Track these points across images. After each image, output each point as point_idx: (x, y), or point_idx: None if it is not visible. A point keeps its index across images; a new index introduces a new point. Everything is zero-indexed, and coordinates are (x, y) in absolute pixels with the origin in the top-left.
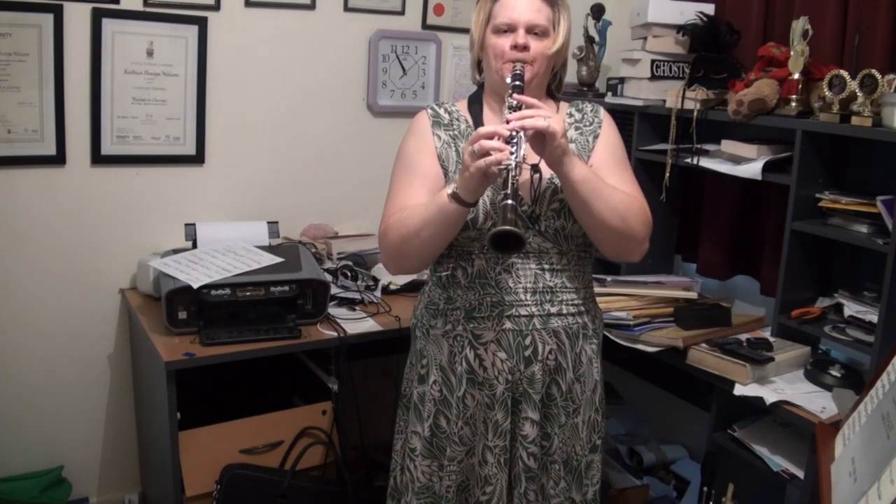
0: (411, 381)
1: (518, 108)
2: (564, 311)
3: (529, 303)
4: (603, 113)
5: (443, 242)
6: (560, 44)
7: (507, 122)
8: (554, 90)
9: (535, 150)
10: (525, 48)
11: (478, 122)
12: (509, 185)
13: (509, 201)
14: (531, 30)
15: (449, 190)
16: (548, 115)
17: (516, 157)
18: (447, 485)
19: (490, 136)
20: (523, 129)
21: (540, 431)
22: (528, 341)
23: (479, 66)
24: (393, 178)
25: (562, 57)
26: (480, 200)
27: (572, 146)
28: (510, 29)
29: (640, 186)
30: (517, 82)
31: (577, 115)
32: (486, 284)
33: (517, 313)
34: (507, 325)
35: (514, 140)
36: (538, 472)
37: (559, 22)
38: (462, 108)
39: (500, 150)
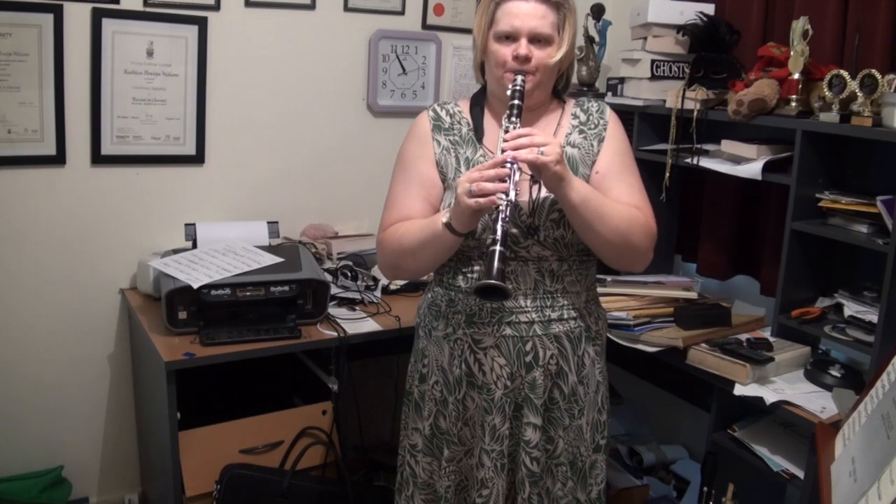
0: (413, 380)
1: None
2: (566, 316)
3: (529, 309)
4: (609, 113)
5: (440, 261)
6: (565, 51)
7: (503, 150)
8: (560, 91)
9: (532, 171)
10: (527, 60)
11: (478, 127)
12: (498, 228)
13: (497, 248)
14: (534, 38)
15: (444, 218)
16: (542, 144)
17: (508, 196)
18: (446, 485)
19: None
20: (515, 160)
21: (543, 435)
22: (528, 347)
23: (482, 68)
24: (392, 182)
25: (568, 60)
26: None
27: (575, 151)
28: (512, 37)
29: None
30: (516, 100)
31: (583, 117)
32: None
33: (517, 319)
34: (507, 331)
35: (508, 178)
36: (542, 475)
37: (564, 27)
38: (465, 108)
39: (494, 191)
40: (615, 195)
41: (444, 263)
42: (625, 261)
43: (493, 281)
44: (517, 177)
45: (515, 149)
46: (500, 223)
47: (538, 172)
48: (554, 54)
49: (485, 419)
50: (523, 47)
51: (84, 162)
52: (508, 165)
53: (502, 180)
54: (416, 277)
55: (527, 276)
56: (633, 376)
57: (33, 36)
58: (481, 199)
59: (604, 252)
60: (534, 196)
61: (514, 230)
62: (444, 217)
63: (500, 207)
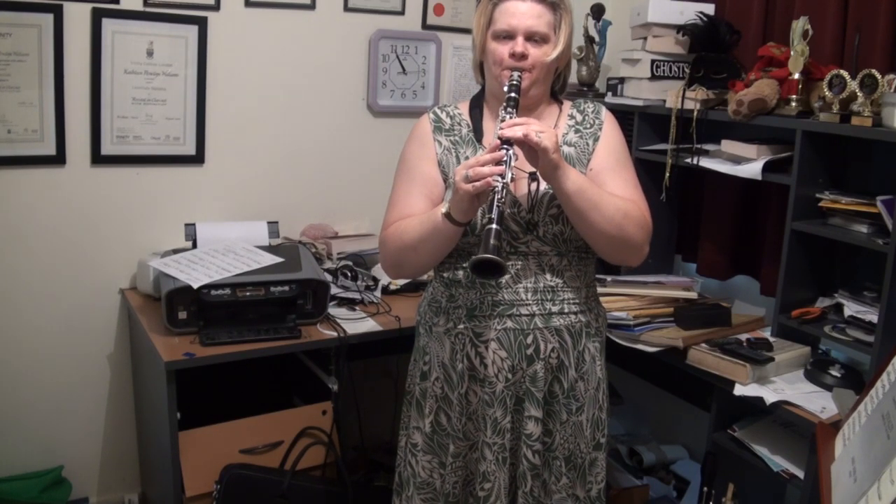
0: (414, 377)
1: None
2: (566, 310)
3: (530, 302)
4: (605, 113)
5: (441, 255)
6: (560, 50)
7: (500, 138)
8: (557, 91)
9: (528, 161)
10: (523, 57)
11: (478, 127)
12: (494, 208)
13: (493, 226)
14: (531, 37)
15: (443, 209)
16: (540, 132)
17: (504, 179)
18: (453, 481)
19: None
20: (514, 137)
21: (543, 428)
22: (529, 340)
23: (481, 68)
24: (394, 183)
25: (565, 59)
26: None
27: (571, 150)
28: (509, 35)
29: (641, 186)
30: (512, 94)
31: (579, 117)
32: (487, 284)
33: (518, 312)
34: (509, 324)
35: (504, 161)
36: (541, 467)
37: (560, 26)
38: (464, 110)
39: (490, 174)
40: (609, 190)
41: (445, 260)
42: (620, 254)
43: (489, 255)
44: (513, 161)
45: (514, 130)
46: (496, 203)
47: (535, 160)
48: (550, 52)
49: (486, 412)
50: (520, 45)
51: (84, 162)
52: (504, 149)
53: (498, 164)
54: (417, 275)
55: (527, 269)
56: (632, 376)
57: (33, 36)
58: (478, 183)
59: (599, 244)
60: (532, 193)
61: (515, 226)
62: (443, 208)
63: (497, 189)
